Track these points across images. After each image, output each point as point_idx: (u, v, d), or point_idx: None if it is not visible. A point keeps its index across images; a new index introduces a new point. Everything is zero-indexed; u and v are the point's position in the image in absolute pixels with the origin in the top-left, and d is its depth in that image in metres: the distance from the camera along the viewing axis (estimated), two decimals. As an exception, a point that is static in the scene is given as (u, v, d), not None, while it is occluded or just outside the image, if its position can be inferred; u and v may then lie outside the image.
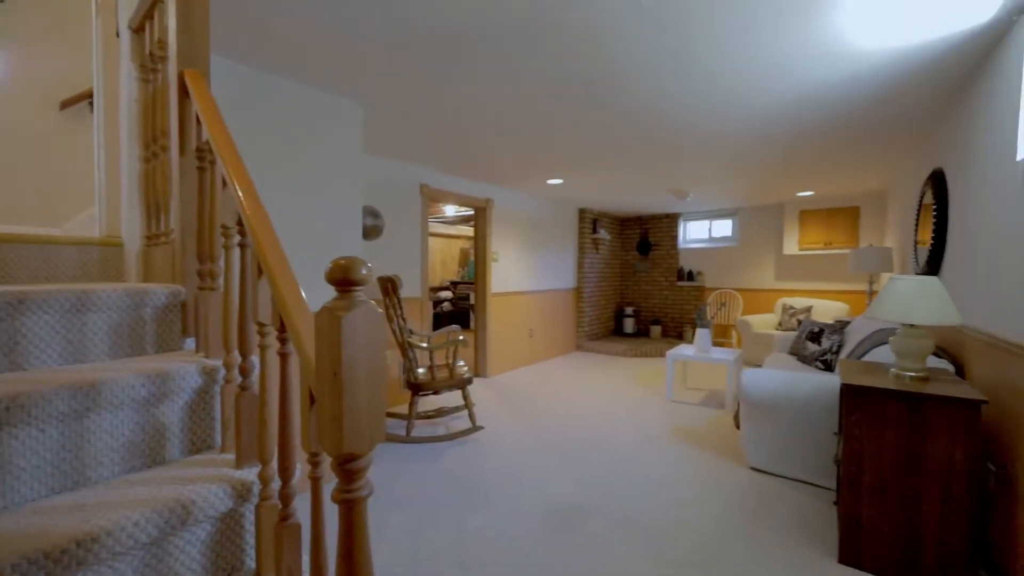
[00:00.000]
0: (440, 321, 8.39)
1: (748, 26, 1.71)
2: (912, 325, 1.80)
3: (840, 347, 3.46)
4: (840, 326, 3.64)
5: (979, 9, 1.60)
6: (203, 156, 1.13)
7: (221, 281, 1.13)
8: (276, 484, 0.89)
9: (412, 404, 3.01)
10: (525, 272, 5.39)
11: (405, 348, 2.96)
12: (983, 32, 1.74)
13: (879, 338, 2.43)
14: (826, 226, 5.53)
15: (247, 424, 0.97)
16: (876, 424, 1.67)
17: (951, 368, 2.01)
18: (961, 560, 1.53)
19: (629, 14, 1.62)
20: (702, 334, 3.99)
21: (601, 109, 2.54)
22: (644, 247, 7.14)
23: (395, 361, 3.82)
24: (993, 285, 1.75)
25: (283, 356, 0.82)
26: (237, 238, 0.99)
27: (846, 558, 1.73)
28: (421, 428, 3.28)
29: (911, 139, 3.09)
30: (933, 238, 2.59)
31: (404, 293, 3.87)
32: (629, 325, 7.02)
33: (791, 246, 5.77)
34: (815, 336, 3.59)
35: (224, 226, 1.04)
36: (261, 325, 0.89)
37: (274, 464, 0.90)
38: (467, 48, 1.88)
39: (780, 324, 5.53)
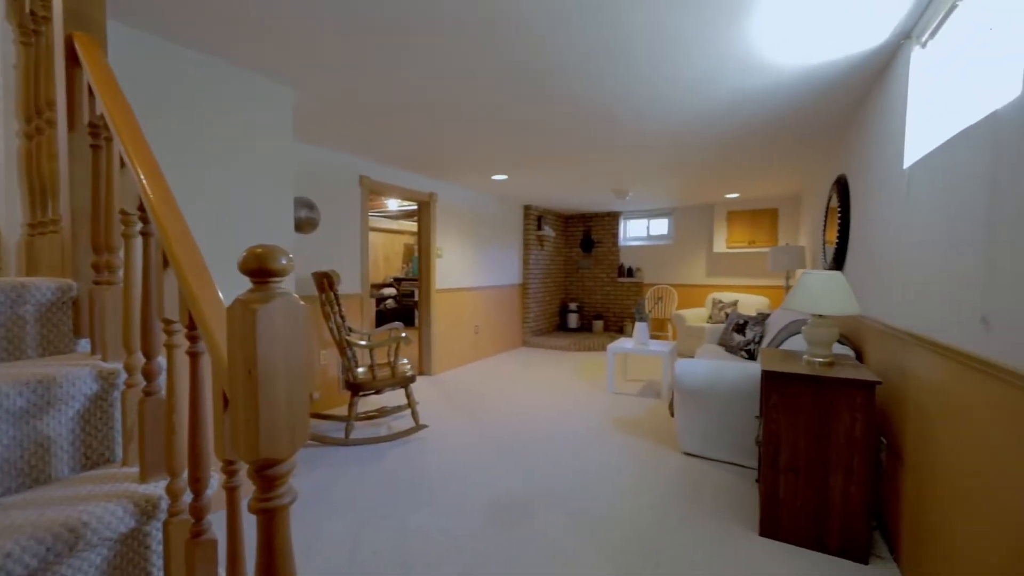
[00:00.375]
0: (383, 319, 8.14)
1: (676, 36, 1.80)
2: (820, 316, 1.99)
3: (762, 337, 3.76)
4: (761, 318, 3.95)
5: (873, 33, 1.79)
6: (97, 132, 1.00)
7: (121, 274, 1.00)
8: (188, 498, 0.81)
9: (352, 405, 2.88)
10: (470, 268, 5.36)
11: (343, 347, 2.83)
12: (877, 53, 1.95)
13: (794, 328, 2.66)
14: (750, 226, 5.98)
15: (153, 433, 0.87)
16: (791, 407, 1.83)
17: (852, 354, 2.24)
18: (860, 524, 1.72)
19: (572, 5, 1.64)
20: (640, 328, 4.17)
21: (543, 104, 2.56)
22: (587, 244, 7.34)
23: (334, 360, 3.64)
24: (886, 279, 1.98)
25: (193, 356, 0.74)
26: (139, 225, 0.88)
27: (766, 531, 1.88)
28: (362, 429, 3.16)
29: (820, 147, 3.41)
30: (838, 238, 2.88)
31: (343, 290, 3.71)
32: (573, 320, 7.20)
33: (720, 244, 6.18)
34: (740, 328, 3.88)
35: (123, 212, 0.92)
36: (168, 322, 0.80)
37: (185, 476, 0.81)
38: (414, 36, 1.82)
39: (711, 317, 5.92)
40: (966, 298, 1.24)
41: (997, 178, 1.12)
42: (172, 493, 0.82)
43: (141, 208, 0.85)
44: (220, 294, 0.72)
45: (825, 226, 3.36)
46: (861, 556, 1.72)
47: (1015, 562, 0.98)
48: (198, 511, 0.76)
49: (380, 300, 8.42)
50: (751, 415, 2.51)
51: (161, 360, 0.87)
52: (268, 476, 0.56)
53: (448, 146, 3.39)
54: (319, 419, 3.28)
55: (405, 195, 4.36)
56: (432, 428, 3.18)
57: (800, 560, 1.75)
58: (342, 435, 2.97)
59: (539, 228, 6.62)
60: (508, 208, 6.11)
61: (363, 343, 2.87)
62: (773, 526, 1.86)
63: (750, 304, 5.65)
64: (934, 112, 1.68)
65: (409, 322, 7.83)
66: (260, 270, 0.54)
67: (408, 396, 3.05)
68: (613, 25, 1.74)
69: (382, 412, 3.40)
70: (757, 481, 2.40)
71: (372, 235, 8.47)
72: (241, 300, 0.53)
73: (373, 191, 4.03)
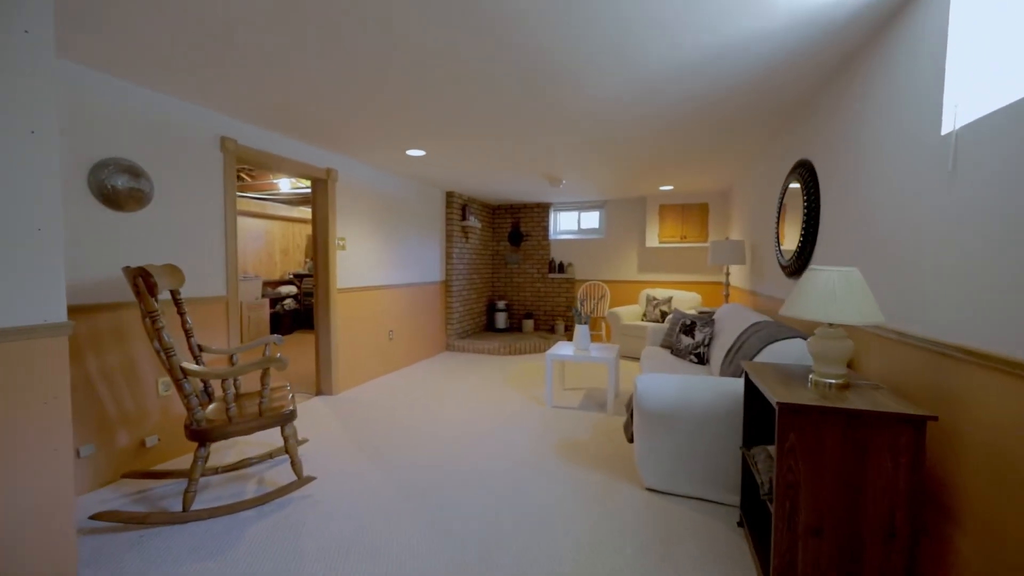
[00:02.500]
0: (280, 323, 6.89)
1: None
2: (831, 324, 1.55)
3: (711, 339, 3.43)
4: (708, 317, 3.64)
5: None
6: None
7: None
8: None
9: (196, 460, 1.98)
10: (383, 263, 4.50)
11: (177, 377, 1.91)
12: (896, -9, 1.55)
13: (767, 334, 2.27)
14: (682, 221, 5.82)
15: None
16: (813, 449, 1.35)
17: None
18: (900, 603, 1.29)
19: None
20: (580, 332, 3.67)
21: (469, 54, 1.88)
22: (516, 237, 6.78)
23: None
24: (904, 279, 1.59)
25: None
26: None
27: (778, 615, 1.39)
28: (218, 490, 2.24)
29: (774, 131, 3.12)
30: (803, 232, 2.56)
31: (198, 291, 2.71)
32: (501, 320, 6.61)
33: (652, 239, 5.95)
34: (688, 329, 3.52)
35: None
36: None
37: None
38: None
39: (645, 315, 5.66)
40: None
41: None
42: None
43: None
44: None
45: (779, 221, 3.07)
46: (903, 646, 1.29)
47: None
48: None
49: (277, 301, 7.15)
50: (728, 441, 2.06)
51: None
52: None
53: (351, 107, 2.56)
54: (152, 478, 2.30)
55: (292, 169, 3.40)
56: (323, 479, 2.36)
57: (830, 661, 1.28)
58: (179, 506, 2.05)
59: (464, 218, 5.91)
60: (428, 195, 5.32)
61: (196, 368, 1.96)
62: (788, 609, 1.38)
63: (684, 301, 5.46)
64: (992, 55, 1.27)
65: (312, 326, 6.68)
66: None
67: (286, 441, 2.20)
68: None
69: (243, 463, 2.49)
70: (739, 524, 1.96)
71: (267, 224, 7.15)
72: None
73: (244, 160, 3.04)
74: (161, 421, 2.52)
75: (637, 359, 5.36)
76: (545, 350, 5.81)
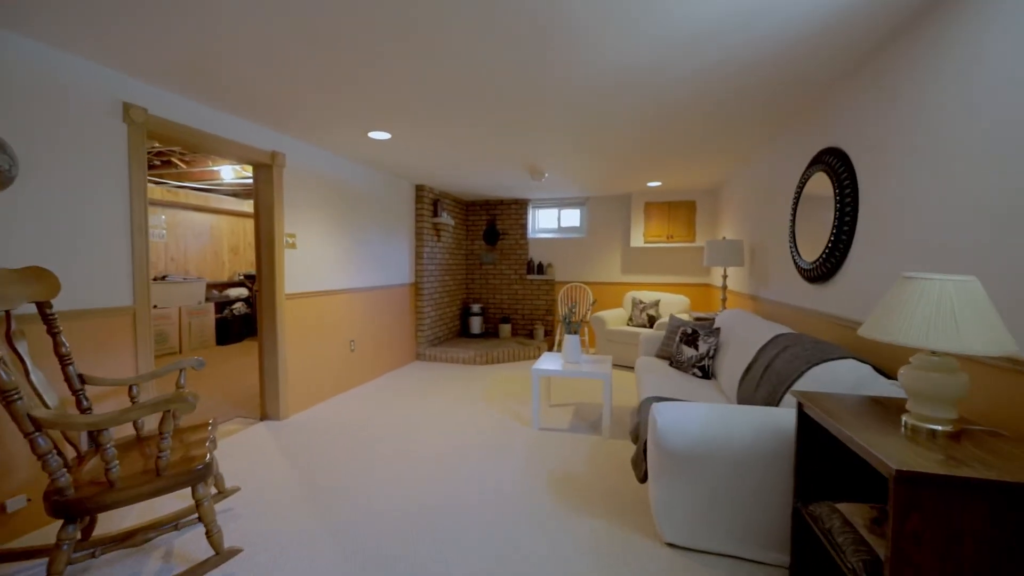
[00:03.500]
0: (229, 330, 6.16)
1: None
2: (933, 352, 1.16)
3: (716, 351, 3.07)
4: (710, 326, 3.28)
5: None
6: None
7: None
8: None
9: (59, 545, 1.40)
10: (343, 264, 3.93)
11: (27, 430, 1.34)
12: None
13: (807, 354, 1.89)
14: (668, 219, 5.50)
15: None
16: (949, 536, 0.95)
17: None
18: None
19: None
20: (571, 343, 3.23)
21: (451, 9, 1.40)
22: (492, 236, 6.30)
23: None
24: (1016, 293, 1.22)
25: None
26: None
27: None
28: (99, 573, 1.66)
29: (792, 111, 2.77)
30: (835, 230, 2.21)
31: (89, 301, 2.10)
32: (476, 325, 6.12)
33: (637, 238, 5.61)
34: (690, 339, 3.15)
35: None
36: None
37: None
38: None
39: (631, 319, 5.30)
40: None
41: None
42: None
43: None
44: None
45: (793, 218, 2.73)
46: None
47: None
48: None
49: (225, 305, 6.39)
50: (772, 488, 1.66)
51: None
52: None
53: (294, 70, 2.02)
54: (11, 560, 1.69)
55: (227, 151, 2.80)
56: (252, 549, 1.82)
57: None
58: (40, 605, 1.47)
59: (436, 214, 5.39)
60: (396, 188, 4.76)
61: (51, 416, 1.38)
62: None
63: (672, 304, 5.14)
64: None
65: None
66: None
67: (199, 505, 1.64)
68: None
69: (135, 532, 1.92)
70: (790, 597, 1.56)
71: (212, 219, 6.37)
72: None
73: (160, 136, 2.43)
74: (32, 475, 1.90)
75: (626, 367, 4.99)
76: (525, 358, 5.36)
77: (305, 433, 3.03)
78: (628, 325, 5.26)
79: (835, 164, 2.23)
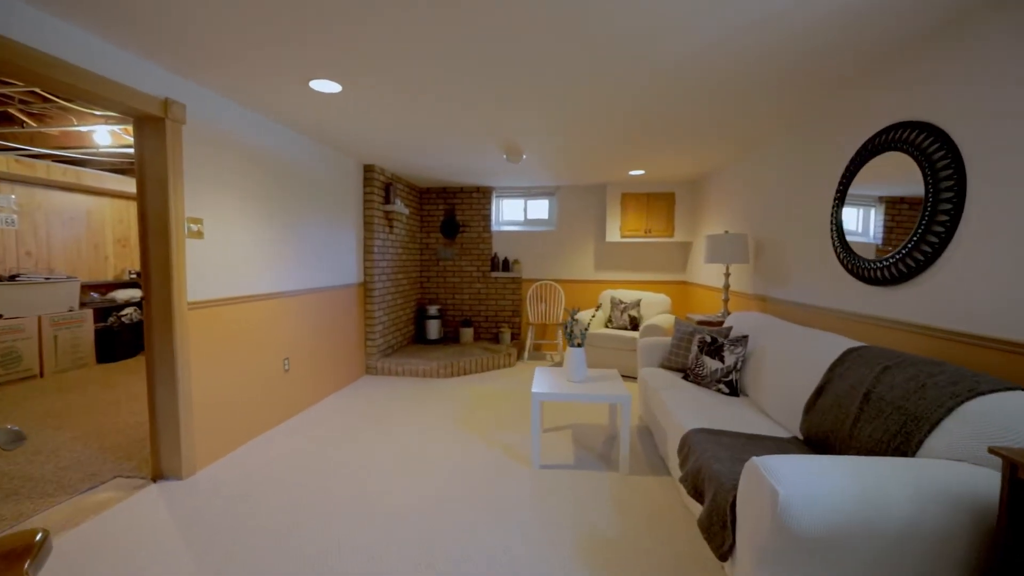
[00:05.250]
0: (115, 343, 4.86)
1: None
2: None
3: (743, 362, 2.63)
4: (726, 332, 2.85)
5: None
6: None
7: None
8: None
9: None
10: (271, 260, 3.02)
11: None
12: None
13: (948, 383, 1.43)
14: (646, 212, 5.10)
15: None
16: None
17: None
18: None
19: None
20: (574, 358, 2.64)
21: None
22: (450, 228, 5.55)
23: None
24: None
25: None
26: None
27: None
28: None
29: (841, 86, 2.36)
30: (924, 221, 1.80)
31: None
32: (433, 329, 5.34)
33: (613, 233, 5.16)
34: (713, 349, 2.68)
35: None
36: None
37: None
38: None
39: (610, 320, 4.84)
40: None
41: None
42: None
43: None
44: None
45: (838, 209, 2.34)
46: None
47: None
48: None
49: (110, 311, 5.06)
50: (941, 584, 1.17)
51: None
52: None
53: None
54: None
55: (91, 89, 1.85)
56: None
57: None
58: None
59: (388, 201, 4.54)
60: (340, 166, 3.87)
61: None
62: None
63: (654, 304, 4.74)
64: None
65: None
66: None
67: None
68: None
69: None
70: None
71: (89, 201, 5.00)
72: None
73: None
74: None
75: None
76: (495, 367, 4.71)
77: (219, 500, 2.15)
78: (608, 327, 4.79)
79: (921, 142, 1.82)
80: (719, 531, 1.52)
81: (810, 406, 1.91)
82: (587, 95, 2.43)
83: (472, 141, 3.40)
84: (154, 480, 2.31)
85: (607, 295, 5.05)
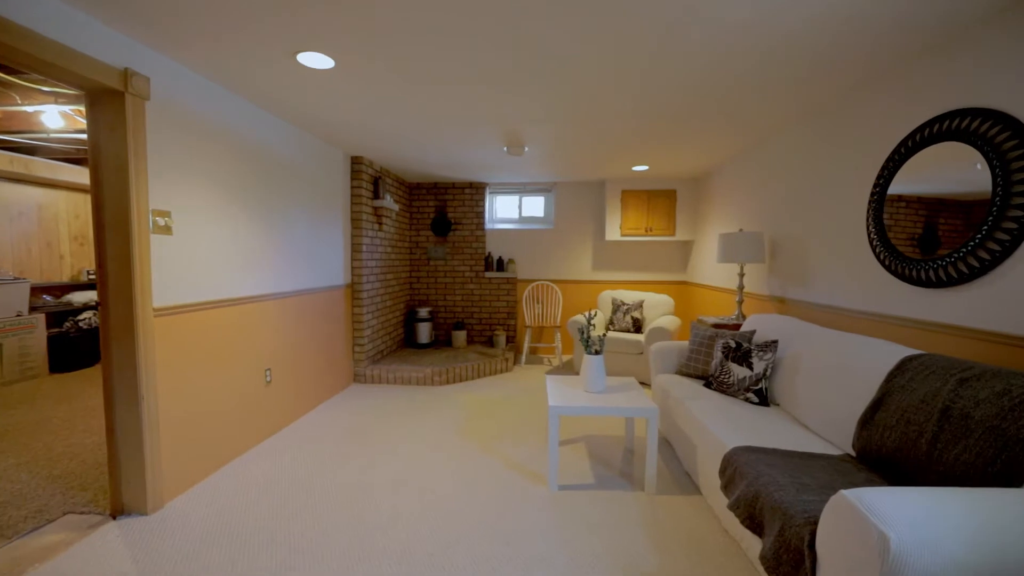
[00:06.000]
0: (72, 351, 4.41)
1: None
2: None
3: (773, 369, 2.45)
4: (749, 336, 2.67)
5: None
6: None
7: None
8: None
9: None
10: (252, 259, 2.70)
11: None
12: None
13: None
14: (647, 210, 4.92)
15: None
16: None
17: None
18: None
19: None
20: (593, 366, 2.42)
21: None
22: (442, 226, 5.26)
23: None
24: None
25: None
26: None
27: None
28: None
29: (879, 75, 2.21)
30: (992, 218, 1.65)
31: None
32: (424, 333, 5.05)
33: (613, 231, 4.97)
34: (740, 355, 2.50)
35: None
36: None
37: None
38: None
39: (612, 323, 4.65)
40: None
41: None
42: None
43: None
44: None
45: (879, 206, 2.18)
46: None
47: None
48: None
49: (67, 316, 4.60)
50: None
51: None
52: None
53: None
54: None
55: (34, 55, 1.52)
56: None
57: None
58: None
59: (377, 196, 4.24)
60: (326, 157, 3.56)
61: None
62: None
63: (657, 305, 4.57)
64: None
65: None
66: None
67: None
68: None
69: None
70: None
71: (40, 195, 4.53)
72: None
73: None
74: None
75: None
76: (492, 372, 4.45)
77: (192, 539, 1.84)
78: (609, 330, 4.60)
79: (987, 132, 1.67)
80: (790, 571, 1.32)
81: (866, 420, 1.73)
82: (595, 80, 2.21)
83: (470, 130, 3.14)
84: (113, 516, 1.97)
85: (607, 296, 4.86)
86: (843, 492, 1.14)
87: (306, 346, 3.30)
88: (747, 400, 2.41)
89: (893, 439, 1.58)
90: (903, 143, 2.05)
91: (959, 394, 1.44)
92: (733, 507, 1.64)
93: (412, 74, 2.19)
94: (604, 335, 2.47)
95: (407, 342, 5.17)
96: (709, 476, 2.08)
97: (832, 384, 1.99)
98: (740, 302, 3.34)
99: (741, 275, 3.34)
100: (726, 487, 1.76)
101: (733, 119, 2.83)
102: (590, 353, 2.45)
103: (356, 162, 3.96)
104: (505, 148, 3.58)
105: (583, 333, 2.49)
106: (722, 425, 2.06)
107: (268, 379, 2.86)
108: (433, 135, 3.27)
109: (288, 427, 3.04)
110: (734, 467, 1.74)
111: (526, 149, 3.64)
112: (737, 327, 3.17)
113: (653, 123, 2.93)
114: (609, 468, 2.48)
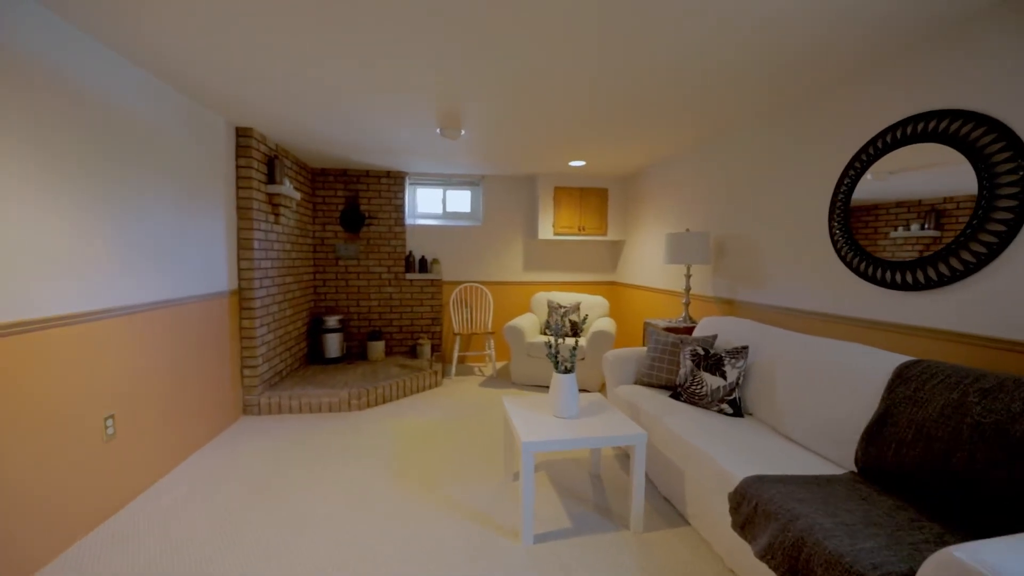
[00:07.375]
0: None
1: None
2: None
3: (744, 377, 2.32)
4: (712, 342, 2.54)
5: None
6: None
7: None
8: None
9: None
10: (84, 259, 1.84)
11: None
12: None
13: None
14: (580, 208, 4.74)
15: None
16: None
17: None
18: None
19: None
20: (563, 386, 2.05)
21: None
22: (354, 220, 4.52)
23: None
24: None
25: None
26: None
27: None
28: None
29: (854, 73, 2.16)
30: (974, 221, 1.62)
31: None
32: (333, 345, 4.28)
33: (546, 230, 4.70)
34: (712, 364, 2.32)
35: None
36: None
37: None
38: None
39: (548, 327, 4.36)
40: None
41: None
42: None
43: None
44: None
45: (844, 208, 2.14)
46: None
47: None
48: None
49: None
50: None
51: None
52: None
53: None
54: None
55: None
56: None
57: None
58: None
59: (273, 179, 3.41)
60: (201, 125, 2.69)
61: None
62: None
63: (593, 307, 4.39)
64: None
65: None
66: None
67: None
68: None
69: None
70: None
71: None
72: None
73: None
74: None
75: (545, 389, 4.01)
76: (421, 388, 3.89)
77: None
78: (545, 334, 4.31)
79: (968, 133, 1.64)
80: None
81: (872, 435, 1.60)
82: (545, 56, 1.85)
83: (402, 107, 2.58)
84: None
85: (541, 298, 4.57)
86: (957, 555, 0.91)
87: (171, 376, 2.44)
88: (721, 412, 2.24)
89: (913, 456, 1.45)
90: (872, 142, 2.01)
91: (989, 408, 1.34)
92: (765, 556, 1.38)
93: (319, 18, 1.60)
94: (574, 349, 2.11)
95: (312, 358, 4.35)
96: (700, 505, 1.84)
97: (816, 393, 1.87)
98: (687, 304, 3.25)
99: (688, 276, 3.25)
100: (743, 527, 1.51)
101: (696, 111, 2.67)
102: (560, 372, 2.07)
103: (244, 134, 3.12)
104: (439, 129, 3.06)
105: (551, 348, 2.10)
106: (719, 448, 1.82)
107: (110, 431, 2.01)
108: (349, 105, 2.63)
109: (145, 493, 2.19)
110: (753, 504, 1.49)
111: (463, 133, 3.16)
112: (688, 330, 3.06)
113: (609, 111, 2.66)
114: (581, 502, 2.13)
